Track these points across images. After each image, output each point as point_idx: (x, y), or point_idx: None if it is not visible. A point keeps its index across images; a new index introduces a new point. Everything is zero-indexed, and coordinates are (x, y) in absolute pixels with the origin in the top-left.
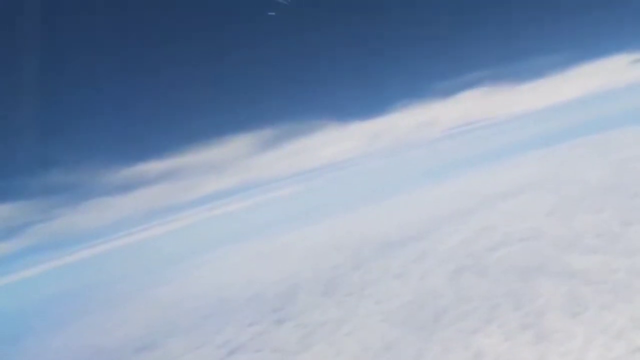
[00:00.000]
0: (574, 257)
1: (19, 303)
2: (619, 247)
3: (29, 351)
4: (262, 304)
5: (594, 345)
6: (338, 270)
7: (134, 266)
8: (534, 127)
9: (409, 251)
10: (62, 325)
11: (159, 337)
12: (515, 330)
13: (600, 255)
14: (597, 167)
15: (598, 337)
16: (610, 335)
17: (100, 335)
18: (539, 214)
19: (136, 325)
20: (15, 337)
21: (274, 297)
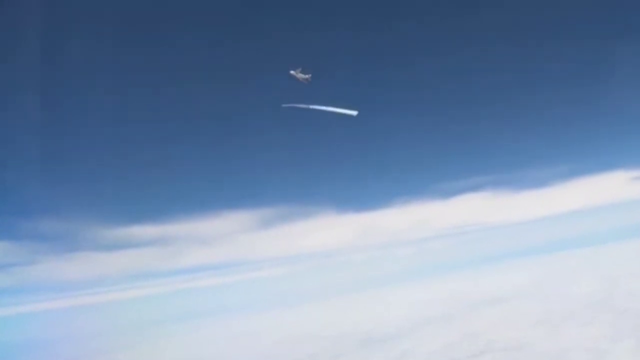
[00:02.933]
0: None
1: None
2: None
3: None
4: None
5: None
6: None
7: (106, 325)
8: (529, 236)
9: (390, 349)
10: None
11: None
12: None
13: None
14: (589, 280)
15: None
16: None
17: None
18: (526, 323)
19: None
20: None
21: None
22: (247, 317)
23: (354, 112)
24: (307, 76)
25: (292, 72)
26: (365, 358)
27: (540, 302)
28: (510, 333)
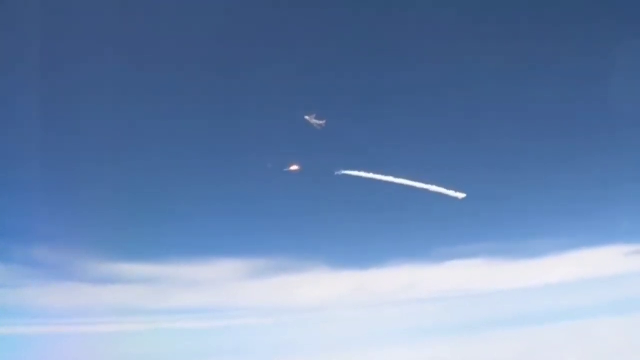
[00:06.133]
0: None
1: None
2: None
3: None
4: None
5: None
6: None
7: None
8: (521, 306)
9: None
10: None
11: None
12: None
13: None
14: (577, 355)
15: None
16: None
17: None
18: None
19: None
20: None
21: None
22: None
23: (461, 195)
24: (321, 122)
25: (306, 117)
26: None
27: None
28: None
